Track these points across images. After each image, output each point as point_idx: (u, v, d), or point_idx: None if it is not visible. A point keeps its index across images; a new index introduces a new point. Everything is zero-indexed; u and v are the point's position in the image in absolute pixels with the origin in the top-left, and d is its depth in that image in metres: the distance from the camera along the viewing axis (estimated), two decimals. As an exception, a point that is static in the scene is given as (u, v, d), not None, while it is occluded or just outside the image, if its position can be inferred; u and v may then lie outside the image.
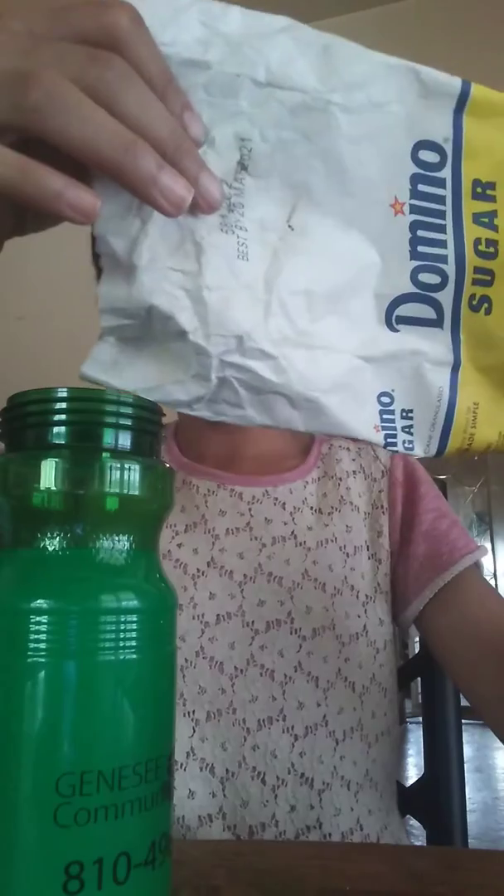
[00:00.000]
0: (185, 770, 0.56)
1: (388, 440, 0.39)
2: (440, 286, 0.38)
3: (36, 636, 0.24)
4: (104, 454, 0.26)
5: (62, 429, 0.26)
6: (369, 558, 0.67)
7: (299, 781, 0.57)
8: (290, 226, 0.35)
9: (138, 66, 0.30)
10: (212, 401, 0.35)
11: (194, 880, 0.36)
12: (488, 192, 0.37)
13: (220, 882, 0.36)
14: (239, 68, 0.33)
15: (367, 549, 0.67)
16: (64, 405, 0.26)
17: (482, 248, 0.38)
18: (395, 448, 0.39)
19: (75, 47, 0.30)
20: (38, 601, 0.24)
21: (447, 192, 0.37)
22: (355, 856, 0.42)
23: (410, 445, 0.39)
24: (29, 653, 0.24)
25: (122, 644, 0.25)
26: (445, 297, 0.38)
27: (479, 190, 0.37)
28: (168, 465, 0.29)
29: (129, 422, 0.27)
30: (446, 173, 0.37)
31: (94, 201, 0.29)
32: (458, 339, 0.39)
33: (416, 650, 0.84)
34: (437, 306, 0.38)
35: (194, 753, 0.57)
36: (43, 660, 0.24)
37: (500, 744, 4.03)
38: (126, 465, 0.26)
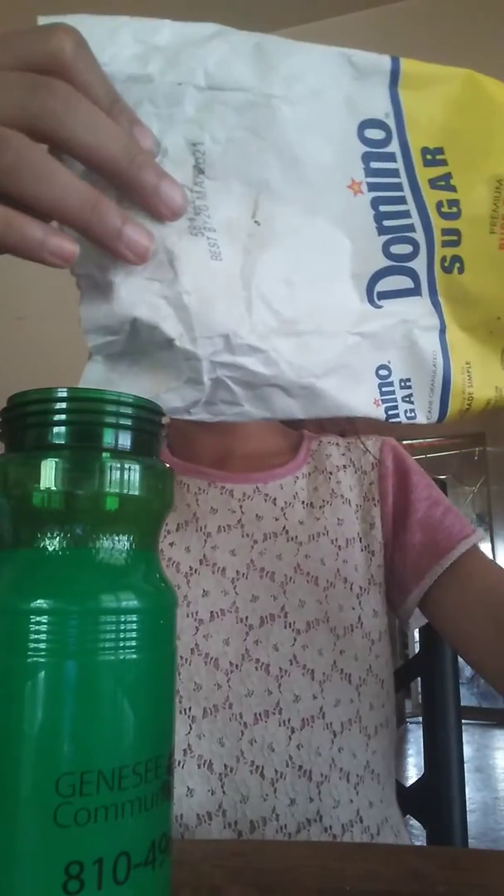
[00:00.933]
0: (182, 768, 0.56)
1: (390, 412, 0.39)
2: (413, 254, 0.39)
3: (36, 636, 0.24)
4: (104, 454, 0.26)
5: (62, 429, 0.26)
6: (362, 550, 0.67)
7: (298, 774, 0.57)
8: (256, 221, 0.36)
9: (84, 89, 0.31)
10: (208, 403, 0.35)
11: (194, 880, 0.36)
12: (438, 157, 0.38)
13: (220, 882, 0.36)
14: (179, 77, 0.34)
15: (360, 542, 0.68)
16: (64, 405, 0.26)
17: (445, 209, 0.38)
18: (397, 419, 0.40)
19: (18, 77, 0.30)
20: (38, 601, 0.24)
21: (399, 165, 0.38)
22: (355, 856, 0.42)
23: (412, 414, 0.40)
24: (29, 653, 0.24)
25: (122, 644, 0.25)
26: (419, 264, 0.39)
27: (428, 157, 0.38)
28: (168, 466, 0.29)
29: (129, 422, 0.27)
30: (394, 147, 0.38)
31: (73, 248, 0.31)
32: (437, 303, 0.40)
33: (416, 650, 0.84)
34: (412, 275, 0.39)
35: (192, 751, 0.57)
36: (43, 660, 0.24)
37: (500, 744, 4.05)
38: (126, 465, 0.26)
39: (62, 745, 0.23)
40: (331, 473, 0.71)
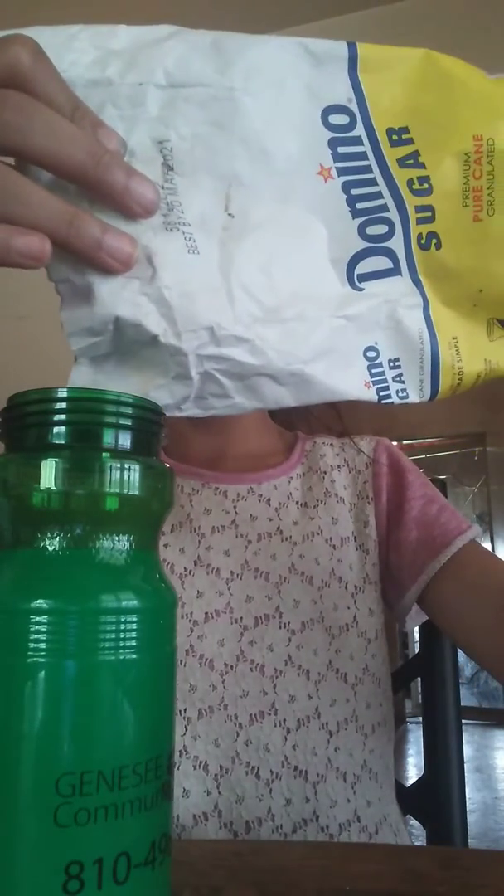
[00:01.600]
0: (178, 769, 0.56)
1: (381, 394, 0.40)
2: (389, 234, 0.39)
3: (36, 636, 0.24)
4: (104, 454, 0.26)
5: (62, 429, 0.26)
6: (357, 549, 0.67)
7: (293, 774, 0.57)
8: (229, 214, 0.36)
9: (44, 97, 0.31)
10: (198, 397, 0.36)
11: (194, 880, 0.36)
12: (404, 136, 0.39)
13: (220, 882, 0.36)
14: (140, 77, 0.34)
15: (354, 540, 0.68)
16: (64, 405, 0.26)
17: (416, 186, 0.39)
18: (389, 400, 0.40)
19: None
20: (38, 601, 0.24)
21: (366, 147, 0.38)
22: (355, 856, 0.42)
23: (404, 394, 0.40)
24: (29, 653, 0.24)
25: (122, 644, 0.25)
26: (396, 244, 0.39)
27: (394, 137, 0.38)
28: (168, 466, 0.29)
29: (129, 422, 0.27)
30: (359, 130, 0.38)
31: (41, 246, 0.31)
32: (418, 281, 0.40)
33: (416, 650, 0.84)
34: (391, 255, 0.39)
35: (187, 752, 0.57)
36: (43, 660, 0.24)
37: (500, 744, 4.05)
38: (126, 465, 0.26)
39: (62, 745, 0.23)
40: (325, 473, 0.71)
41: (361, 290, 0.39)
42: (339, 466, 0.72)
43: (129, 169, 0.33)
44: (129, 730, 0.25)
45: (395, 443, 0.76)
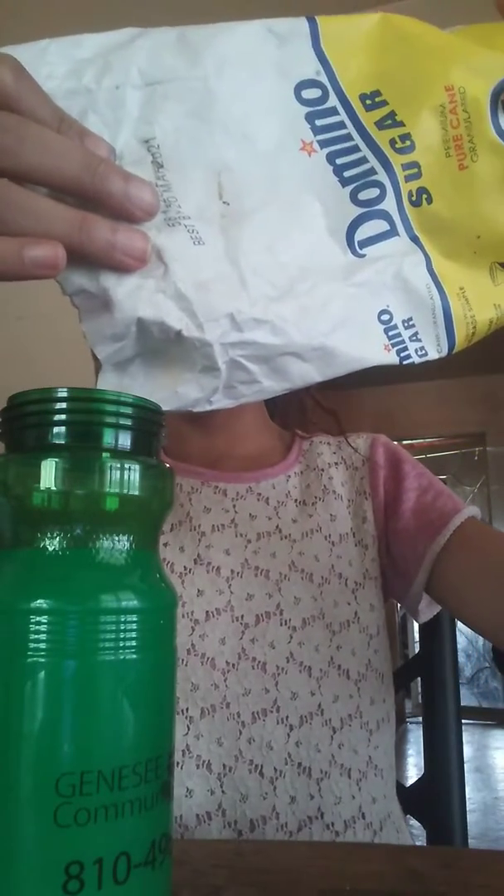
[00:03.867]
0: (181, 769, 0.56)
1: (402, 354, 0.40)
2: (381, 196, 0.39)
3: (36, 636, 0.24)
4: (104, 454, 0.26)
5: (62, 429, 0.26)
6: (356, 545, 0.67)
7: (297, 772, 0.57)
8: (224, 202, 0.37)
9: (31, 114, 0.31)
10: (227, 387, 0.36)
11: (194, 880, 0.36)
12: (377, 99, 0.39)
13: (220, 882, 0.36)
14: (116, 81, 0.35)
15: (353, 536, 0.68)
16: (64, 405, 0.26)
17: (399, 144, 0.39)
18: (410, 360, 0.40)
19: None
20: (38, 601, 0.24)
21: (343, 116, 0.39)
22: (355, 856, 0.42)
23: (423, 352, 0.41)
24: (29, 653, 0.24)
25: (122, 644, 0.25)
26: (390, 205, 0.40)
27: (368, 102, 0.39)
28: (168, 465, 0.29)
29: (129, 422, 0.27)
30: (333, 101, 0.39)
31: (57, 255, 0.31)
32: (416, 238, 0.41)
33: (416, 650, 0.84)
34: (386, 216, 0.40)
35: (190, 751, 0.57)
36: (43, 660, 0.24)
37: (500, 744, 4.05)
38: (126, 465, 0.26)
39: (62, 744, 0.23)
40: (322, 470, 0.71)
41: (364, 256, 0.39)
42: (336, 464, 0.72)
43: (125, 175, 0.33)
44: (129, 730, 0.25)
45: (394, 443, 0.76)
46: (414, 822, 0.75)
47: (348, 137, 0.39)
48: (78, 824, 0.23)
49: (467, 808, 0.74)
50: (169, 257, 0.34)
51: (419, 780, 0.76)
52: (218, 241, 0.36)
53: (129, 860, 0.24)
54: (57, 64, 0.35)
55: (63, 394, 0.26)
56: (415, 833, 0.83)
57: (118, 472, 0.26)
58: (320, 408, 0.77)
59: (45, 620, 0.24)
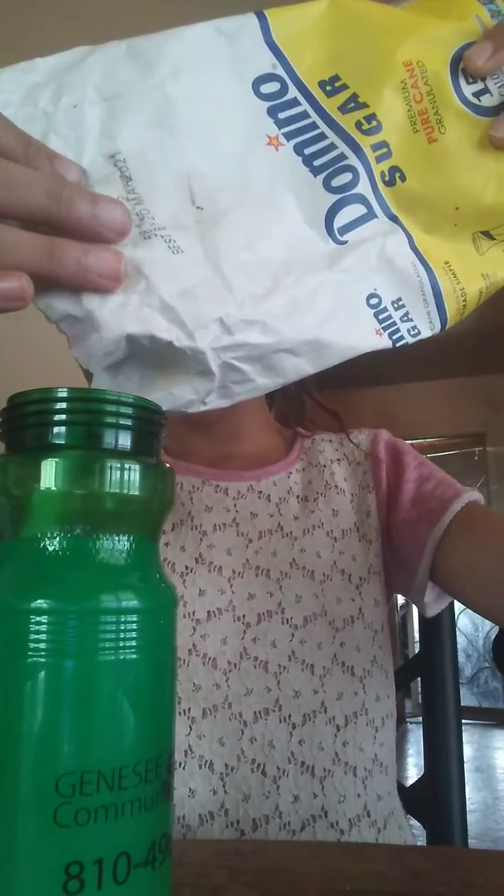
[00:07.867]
0: (184, 769, 0.56)
1: (394, 337, 0.40)
2: (354, 181, 0.39)
3: (36, 636, 0.24)
4: (104, 454, 0.26)
5: (62, 429, 0.26)
6: (360, 540, 0.67)
7: (300, 770, 0.57)
8: (197, 207, 0.36)
9: None
10: (221, 387, 0.36)
11: (194, 880, 0.36)
12: (336, 84, 0.39)
13: (220, 882, 0.36)
14: (72, 100, 0.35)
15: (357, 531, 0.68)
16: (64, 405, 0.26)
17: (365, 126, 0.39)
18: (403, 342, 0.40)
19: None
20: (38, 601, 0.24)
21: (305, 106, 0.39)
22: (356, 856, 0.42)
23: (416, 331, 0.40)
24: (29, 653, 0.24)
25: (122, 644, 0.25)
26: (364, 188, 0.39)
27: (328, 88, 0.39)
28: (168, 465, 0.29)
29: (129, 422, 0.27)
30: (293, 92, 0.38)
31: (23, 287, 0.30)
32: (395, 217, 0.40)
33: (416, 650, 0.84)
34: (362, 200, 0.40)
35: (192, 751, 0.57)
36: (43, 660, 0.24)
37: (500, 744, 4.04)
38: (126, 465, 0.26)
39: (62, 745, 0.23)
40: (324, 466, 0.71)
41: (345, 242, 0.39)
42: (338, 460, 0.72)
43: (92, 196, 0.33)
44: (129, 730, 0.25)
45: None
46: (414, 821, 0.75)
47: (313, 126, 0.39)
48: (78, 824, 0.23)
49: (467, 808, 0.74)
50: (149, 270, 0.34)
51: (419, 779, 0.76)
52: (196, 247, 0.35)
53: (129, 860, 0.24)
54: (11, 92, 0.35)
55: (63, 394, 0.26)
56: (415, 833, 0.83)
57: (118, 472, 0.26)
58: (322, 409, 0.77)
59: (46, 620, 0.24)
